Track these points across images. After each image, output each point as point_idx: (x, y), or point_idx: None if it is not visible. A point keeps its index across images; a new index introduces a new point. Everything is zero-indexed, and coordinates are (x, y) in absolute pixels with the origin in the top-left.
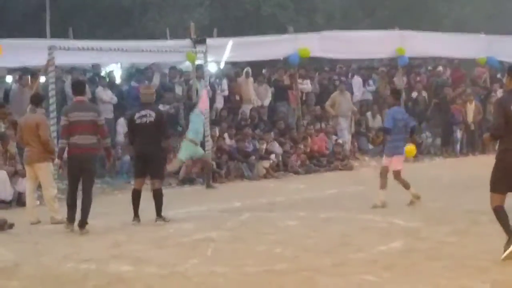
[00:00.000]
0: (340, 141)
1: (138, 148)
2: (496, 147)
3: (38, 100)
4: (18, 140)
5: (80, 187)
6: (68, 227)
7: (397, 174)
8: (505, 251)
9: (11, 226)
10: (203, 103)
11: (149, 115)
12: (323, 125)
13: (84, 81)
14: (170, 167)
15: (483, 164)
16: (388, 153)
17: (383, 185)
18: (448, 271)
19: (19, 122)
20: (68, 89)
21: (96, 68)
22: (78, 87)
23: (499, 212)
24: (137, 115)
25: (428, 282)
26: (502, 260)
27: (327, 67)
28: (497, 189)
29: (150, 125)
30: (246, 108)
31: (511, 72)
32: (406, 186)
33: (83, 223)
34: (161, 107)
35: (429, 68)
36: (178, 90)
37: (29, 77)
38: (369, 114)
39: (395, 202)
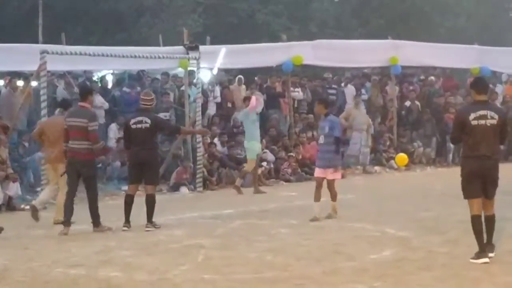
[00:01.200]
0: None
1: (134, 154)
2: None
3: (67, 104)
4: (35, 138)
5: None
6: (64, 231)
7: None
8: (472, 258)
9: (0, 230)
10: (252, 106)
11: (144, 121)
12: (314, 133)
13: (87, 87)
14: (248, 167)
15: None
16: (321, 165)
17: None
18: (440, 281)
19: (41, 124)
20: (60, 93)
21: (88, 73)
22: (80, 93)
23: (476, 223)
24: (132, 120)
25: None
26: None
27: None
28: (468, 195)
29: (145, 131)
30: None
31: (475, 85)
32: (334, 198)
33: (95, 224)
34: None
35: (422, 77)
36: (170, 96)
37: (20, 81)
38: None
39: (387, 212)
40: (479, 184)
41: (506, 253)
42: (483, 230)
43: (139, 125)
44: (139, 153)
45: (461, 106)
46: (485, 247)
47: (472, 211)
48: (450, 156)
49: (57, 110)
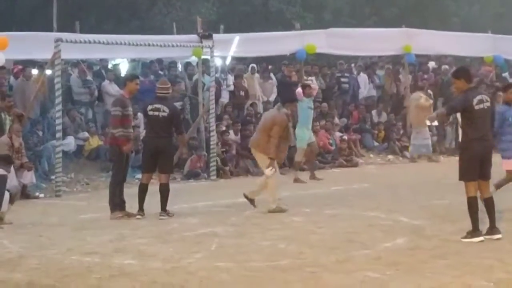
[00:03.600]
0: (345, 137)
1: (149, 142)
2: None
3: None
4: None
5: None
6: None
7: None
8: (464, 238)
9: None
10: (299, 94)
11: (162, 110)
12: (327, 121)
13: (125, 75)
14: (297, 157)
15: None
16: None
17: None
18: (452, 269)
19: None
20: (73, 82)
21: (103, 61)
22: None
23: (473, 204)
24: (150, 107)
25: (432, 280)
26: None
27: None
28: (469, 178)
29: (162, 120)
30: (253, 105)
31: (460, 74)
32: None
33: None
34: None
35: (434, 66)
36: (182, 85)
37: (34, 70)
38: (374, 111)
39: (400, 200)
40: (478, 166)
41: None
42: (483, 213)
43: (156, 113)
44: (155, 141)
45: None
46: (479, 227)
47: (471, 193)
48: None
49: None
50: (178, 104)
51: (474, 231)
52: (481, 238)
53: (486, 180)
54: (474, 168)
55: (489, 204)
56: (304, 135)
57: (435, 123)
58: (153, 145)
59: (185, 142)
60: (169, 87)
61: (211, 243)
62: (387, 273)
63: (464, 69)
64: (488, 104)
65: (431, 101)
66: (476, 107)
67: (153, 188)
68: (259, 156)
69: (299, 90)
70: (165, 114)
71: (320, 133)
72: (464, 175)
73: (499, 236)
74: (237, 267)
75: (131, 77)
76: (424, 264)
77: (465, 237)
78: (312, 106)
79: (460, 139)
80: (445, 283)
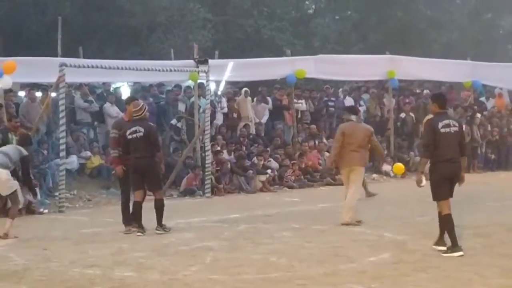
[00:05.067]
0: None
1: (133, 162)
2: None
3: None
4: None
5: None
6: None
7: None
8: (445, 252)
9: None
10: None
11: (138, 130)
12: (316, 142)
13: (126, 98)
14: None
15: (467, 182)
16: None
17: None
18: (434, 282)
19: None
20: (78, 103)
21: (106, 85)
22: None
23: (449, 221)
24: (128, 131)
25: None
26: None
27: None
28: (441, 197)
29: (141, 140)
30: (246, 126)
31: (435, 98)
32: None
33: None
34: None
35: (417, 91)
36: (181, 107)
37: (39, 93)
38: None
39: (385, 217)
40: (448, 185)
41: (498, 256)
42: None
43: (134, 135)
44: (138, 161)
45: (430, 118)
46: (457, 242)
47: (445, 211)
48: None
49: (354, 117)
50: (177, 125)
51: (454, 246)
52: (461, 252)
53: (451, 197)
54: (445, 188)
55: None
56: None
57: (424, 182)
58: (137, 165)
59: (161, 159)
60: (141, 107)
61: (206, 257)
62: (372, 286)
63: (440, 95)
64: (456, 128)
65: None
66: (442, 130)
67: (150, 205)
68: (360, 171)
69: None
70: (141, 133)
71: (312, 153)
72: (437, 195)
73: (461, 253)
74: (230, 280)
75: (129, 100)
76: (407, 277)
77: (446, 252)
78: None
79: None
80: None
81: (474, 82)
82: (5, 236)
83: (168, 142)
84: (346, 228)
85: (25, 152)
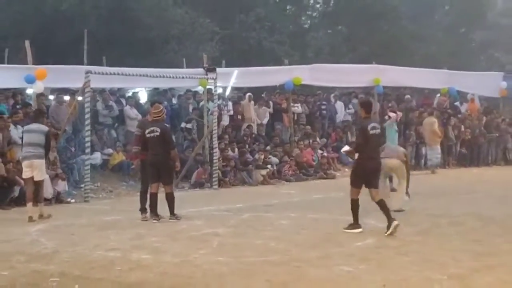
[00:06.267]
0: (325, 154)
1: (150, 158)
2: (356, 156)
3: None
4: None
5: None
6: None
7: None
8: (347, 229)
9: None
10: (394, 119)
11: (155, 131)
12: (310, 141)
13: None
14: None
15: (443, 177)
16: None
17: None
18: (414, 265)
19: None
20: (100, 106)
21: (121, 91)
22: None
23: (355, 204)
24: (147, 130)
25: (397, 274)
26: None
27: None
28: (356, 185)
29: (157, 139)
30: (249, 127)
31: (363, 105)
32: None
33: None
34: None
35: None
36: (190, 108)
37: (66, 96)
38: (349, 133)
39: (370, 207)
40: (364, 178)
41: (470, 242)
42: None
43: (151, 134)
44: (154, 158)
45: (362, 122)
46: (358, 221)
47: (354, 196)
48: (423, 161)
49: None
50: (188, 126)
51: (355, 224)
52: (360, 229)
53: (375, 188)
54: (361, 179)
55: (382, 205)
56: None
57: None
58: (153, 161)
59: (176, 156)
60: (160, 110)
61: (213, 241)
62: (359, 267)
63: (368, 101)
64: (379, 130)
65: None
66: (371, 132)
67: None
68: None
69: (397, 114)
70: (157, 133)
71: (307, 151)
72: (353, 182)
73: (396, 222)
74: (235, 262)
75: (151, 103)
76: (390, 260)
77: (347, 228)
78: (396, 129)
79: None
80: (409, 276)
81: (450, 88)
82: (41, 216)
83: (181, 141)
84: (337, 217)
85: (45, 128)
